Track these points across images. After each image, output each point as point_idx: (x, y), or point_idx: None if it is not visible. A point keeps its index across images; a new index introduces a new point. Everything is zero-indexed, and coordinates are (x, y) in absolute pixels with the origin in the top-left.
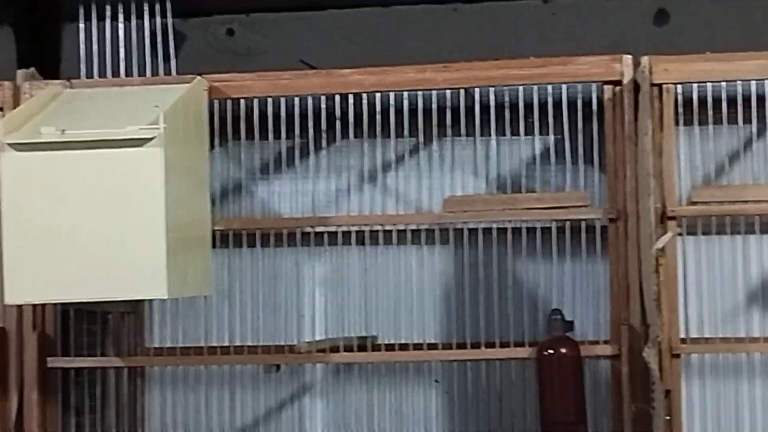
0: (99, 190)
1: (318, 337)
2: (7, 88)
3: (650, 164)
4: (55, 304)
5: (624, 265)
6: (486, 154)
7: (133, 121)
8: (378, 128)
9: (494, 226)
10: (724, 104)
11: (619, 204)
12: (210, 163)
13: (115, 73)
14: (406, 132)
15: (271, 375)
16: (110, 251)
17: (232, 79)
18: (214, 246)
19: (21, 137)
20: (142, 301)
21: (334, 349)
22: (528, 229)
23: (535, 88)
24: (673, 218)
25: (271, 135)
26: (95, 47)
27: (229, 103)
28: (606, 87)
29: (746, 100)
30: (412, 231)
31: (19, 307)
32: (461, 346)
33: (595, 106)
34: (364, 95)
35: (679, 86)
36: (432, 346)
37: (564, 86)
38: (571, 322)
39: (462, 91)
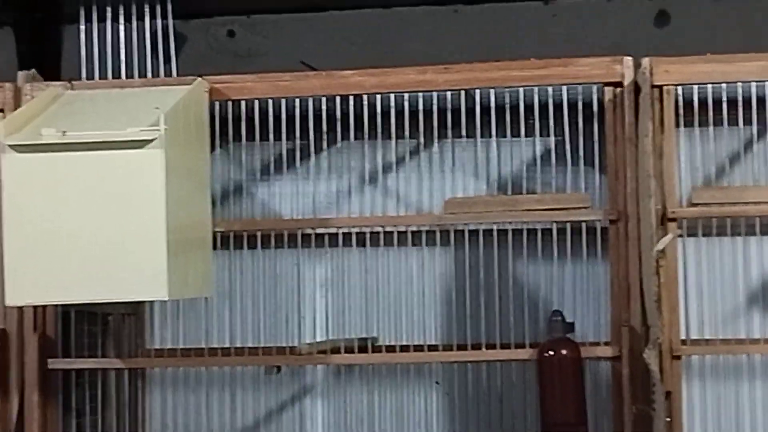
0: (100, 191)
1: (319, 339)
2: (8, 89)
3: (651, 166)
4: (56, 306)
5: (624, 267)
6: (487, 156)
7: (134, 123)
8: (378, 130)
9: (495, 227)
10: (725, 106)
11: (619, 205)
12: (211, 164)
13: (116, 75)
14: (406, 133)
15: (271, 376)
16: (111, 253)
17: (232, 80)
18: (214, 247)
19: (22, 139)
20: (143, 302)
21: (335, 351)
22: (529, 230)
23: (536, 89)
24: (673, 220)
25: (271, 136)
26: (96, 49)
27: (229, 104)
28: (606, 88)
29: (747, 101)
30: (413, 232)
31: (20, 308)
32: (462, 347)
33: (595, 108)
34: (365, 96)
35: (680, 88)
36: (433, 348)
37: (564, 88)
38: (572, 324)
39: (462, 93)
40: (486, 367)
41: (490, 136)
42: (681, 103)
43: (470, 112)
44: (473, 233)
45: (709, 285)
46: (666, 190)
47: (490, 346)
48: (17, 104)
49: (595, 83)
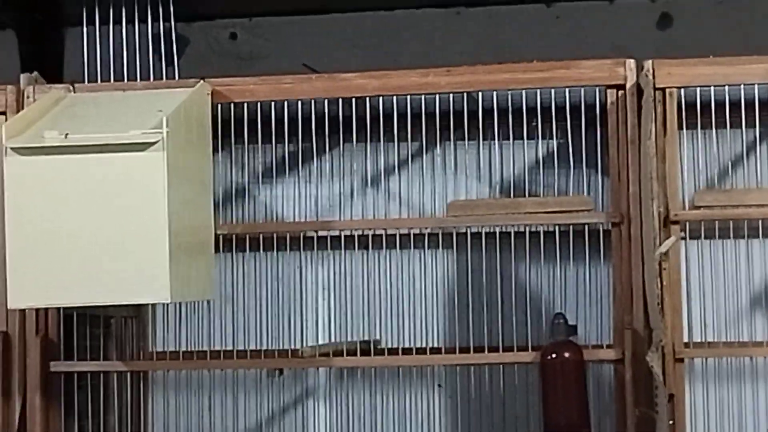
0: (102, 194)
1: (321, 341)
2: (10, 92)
3: (653, 168)
4: (58, 308)
5: (627, 269)
6: (489, 158)
7: (136, 125)
8: (381, 132)
9: (497, 230)
10: (727, 108)
11: (622, 208)
12: (213, 167)
13: (118, 77)
14: (409, 136)
15: (274, 379)
16: (113, 255)
17: (234, 83)
18: (216, 250)
19: (24, 141)
20: (145, 305)
21: (337, 354)
22: (531, 233)
23: (539, 91)
24: (676, 222)
25: (273, 139)
26: (98, 51)
27: (232, 106)
28: (609, 91)
29: (749, 104)
30: (415, 235)
31: (22, 311)
32: (464, 350)
33: (598, 110)
34: (367, 99)
35: (682, 90)
36: (435, 351)
37: (567, 90)
38: (575, 326)
39: (465, 95)
40: (488, 369)
41: (493, 139)
42: (683, 106)
43: (473, 114)
44: (476, 236)
45: (712, 288)
46: (669, 192)
47: (493, 349)
48: (19, 107)
49: (597, 86)
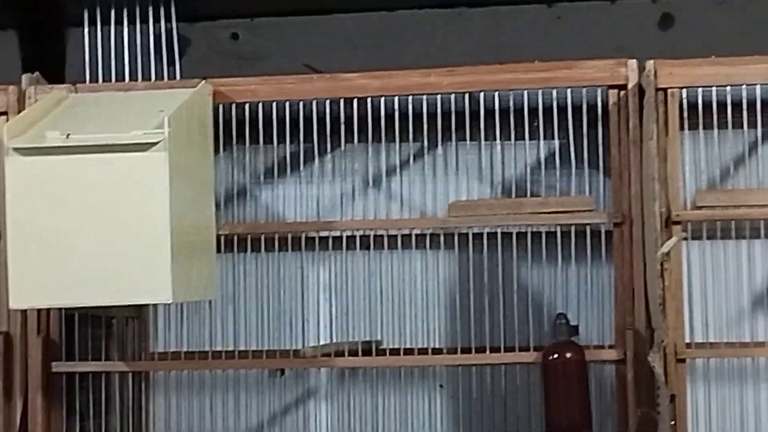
0: (104, 194)
1: (322, 342)
2: (12, 92)
3: (655, 169)
4: (60, 309)
5: (629, 270)
6: (491, 159)
7: (138, 126)
8: (382, 132)
9: (499, 230)
10: (729, 108)
11: (623, 208)
12: (215, 167)
13: (120, 78)
14: (410, 136)
15: (275, 380)
16: (115, 255)
17: (236, 83)
18: (218, 250)
19: (26, 141)
20: (147, 305)
21: (339, 354)
22: (533, 233)
23: (540, 92)
24: (678, 223)
25: (275, 139)
26: (100, 51)
27: (233, 107)
28: (611, 91)
29: (751, 104)
30: (417, 235)
31: (24, 311)
32: (466, 350)
33: (599, 111)
34: (369, 99)
35: (684, 90)
36: (437, 351)
37: (569, 90)
38: (576, 327)
39: (467, 95)
40: (490, 370)
41: (494, 139)
42: (685, 106)
43: (474, 114)
44: (477, 236)
45: (714, 288)
46: (670, 193)
47: (494, 350)
48: (21, 107)
49: (599, 86)
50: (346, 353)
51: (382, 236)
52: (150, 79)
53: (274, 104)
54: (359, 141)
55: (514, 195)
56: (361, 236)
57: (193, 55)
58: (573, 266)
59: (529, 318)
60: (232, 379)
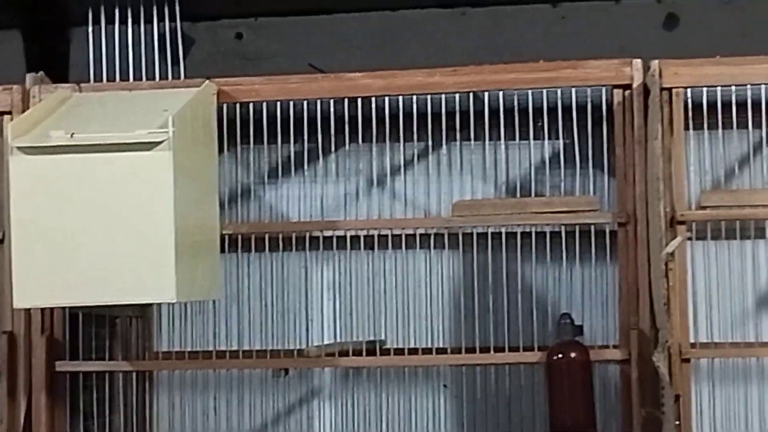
0: (108, 193)
1: (326, 341)
2: (16, 91)
3: (660, 168)
4: (64, 308)
5: (633, 270)
6: (495, 158)
7: (142, 125)
8: (386, 132)
9: (503, 230)
10: (734, 108)
11: (628, 208)
12: (219, 166)
13: (124, 77)
14: (414, 136)
15: (279, 379)
16: (119, 255)
17: (240, 82)
18: (222, 250)
19: (30, 141)
20: (151, 304)
21: (343, 353)
22: (537, 233)
23: (545, 91)
24: (682, 222)
25: (279, 139)
26: (104, 51)
27: (237, 106)
28: (615, 91)
29: (756, 104)
30: (421, 235)
31: (28, 310)
32: (470, 350)
33: (604, 110)
34: (373, 99)
35: (689, 90)
36: (441, 351)
37: (573, 90)
38: (581, 327)
39: (471, 95)
40: (494, 370)
41: (499, 139)
42: (690, 106)
43: (479, 114)
44: (481, 236)
45: (718, 288)
46: (675, 193)
47: (499, 349)
48: (25, 106)
49: (604, 86)
50: (350, 353)
51: (386, 236)
52: (154, 79)
53: (278, 104)
54: (363, 141)
55: (518, 195)
56: (365, 236)
57: (197, 55)
58: (577, 266)
59: (534, 318)
60: (236, 379)
